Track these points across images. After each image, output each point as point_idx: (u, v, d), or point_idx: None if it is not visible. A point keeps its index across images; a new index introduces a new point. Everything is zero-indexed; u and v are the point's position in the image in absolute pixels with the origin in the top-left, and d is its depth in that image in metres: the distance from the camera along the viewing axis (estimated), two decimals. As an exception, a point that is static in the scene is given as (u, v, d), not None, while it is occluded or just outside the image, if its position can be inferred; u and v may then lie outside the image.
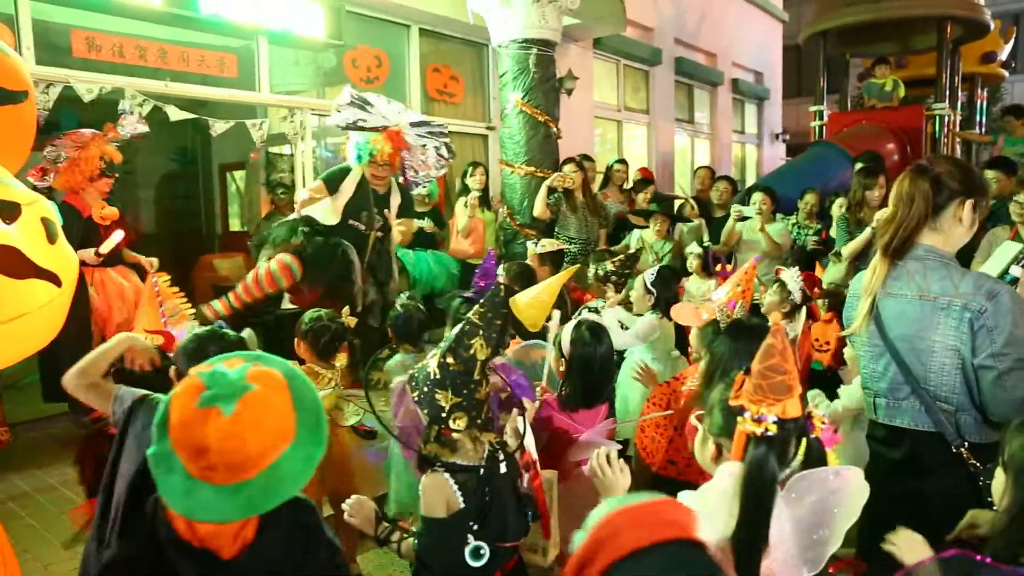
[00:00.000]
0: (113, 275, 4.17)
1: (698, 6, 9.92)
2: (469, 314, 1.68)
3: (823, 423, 1.34)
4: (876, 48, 9.22)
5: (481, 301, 1.70)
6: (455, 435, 1.67)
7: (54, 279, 1.61)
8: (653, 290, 3.42)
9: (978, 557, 1.26)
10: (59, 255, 1.66)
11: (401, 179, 4.44)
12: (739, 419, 1.29)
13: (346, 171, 4.16)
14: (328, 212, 4.07)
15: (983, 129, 10.89)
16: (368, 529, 1.75)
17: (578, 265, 3.97)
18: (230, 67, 5.24)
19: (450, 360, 1.66)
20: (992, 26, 8.85)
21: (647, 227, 5.57)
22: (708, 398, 1.49)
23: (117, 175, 4.19)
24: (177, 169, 9.54)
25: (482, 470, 1.68)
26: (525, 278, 3.57)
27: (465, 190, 5.80)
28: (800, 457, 1.33)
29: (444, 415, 1.65)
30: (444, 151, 4.43)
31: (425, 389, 1.68)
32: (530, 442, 1.88)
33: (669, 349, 3.51)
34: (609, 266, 3.95)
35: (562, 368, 2.43)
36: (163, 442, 1.24)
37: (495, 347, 1.69)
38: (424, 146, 4.34)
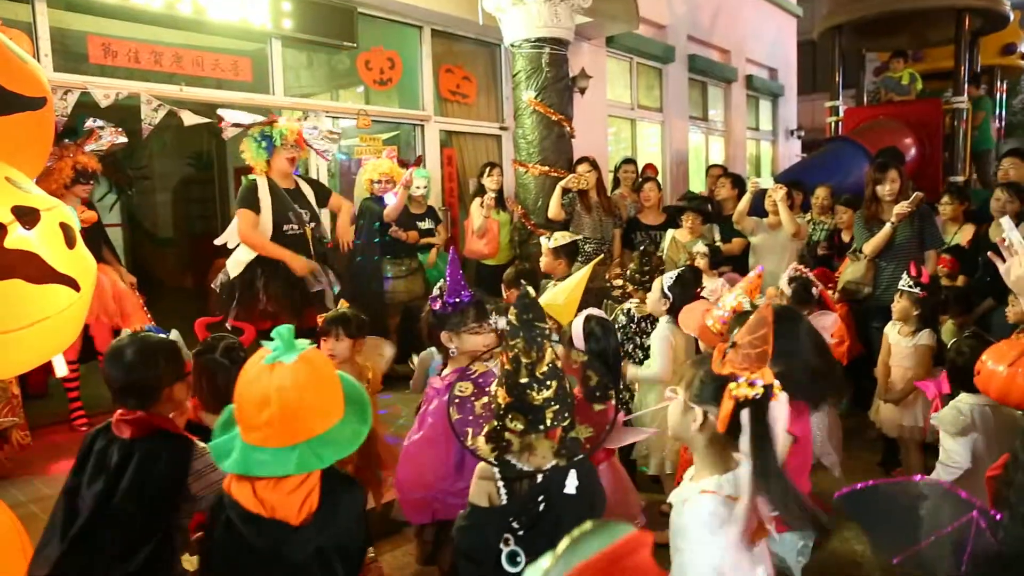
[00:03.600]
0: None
1: (711, 2, 9.85)
2: (510, 315, 1.67)
3: (781, 390, 1.47)
4: (892, 41, 9.10)
5: (516, 303, 1.67)
6: (508, 436, 1.65)
7: (73, 284, 1.62)
8: (669, 295, 3.25)
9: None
10: (78, 260, 1.66)
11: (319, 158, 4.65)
12: (731, 385, 1.43)
13: (252, 187, 4.09)
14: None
15: (1002, 122, 10.75)
16: None
17: (601, 256, 3.90)
18: (244, 71, 5.27)
19: (505, 359, 1.65)
20: (1012, 17, 8.71)
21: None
22: (683, 372, 1.62)
23: (93, 182, 4.32)
24: (192, 173, 9.62)
25: (539, 477, 1.64)
26: (525, 278, 3.52)
27: (481, 190, 5.79)
28: None
29: (501, 412, 1.64)
30: (326, 131, 4.56)
31: (495, 386, 1.69)
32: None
33: (682, 360, 3.42)
34: (632, 265, 3.83)
35: (573, 365, 2.42)
36: (226, 429, 1.51)
37: (540, 350, 1.63)
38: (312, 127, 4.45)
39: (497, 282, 4.29)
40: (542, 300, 2.94)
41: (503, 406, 1.63)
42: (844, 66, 8.85)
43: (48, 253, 1.56)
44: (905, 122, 7.90)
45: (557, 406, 1.62)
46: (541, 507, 1.63)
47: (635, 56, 8.66)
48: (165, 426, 1.88)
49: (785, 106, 12.32)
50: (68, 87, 4.23)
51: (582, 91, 6.69)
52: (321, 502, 1.51)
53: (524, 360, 1.61)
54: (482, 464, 1.70)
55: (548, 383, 1.62)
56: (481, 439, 1.67)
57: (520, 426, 1.62)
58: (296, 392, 1.41)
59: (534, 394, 1.61)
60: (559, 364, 1.65)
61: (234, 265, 4.09)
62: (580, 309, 2.65)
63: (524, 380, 1.61)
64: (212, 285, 4.20)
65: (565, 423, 1.65)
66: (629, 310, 3.69)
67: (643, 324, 3.63)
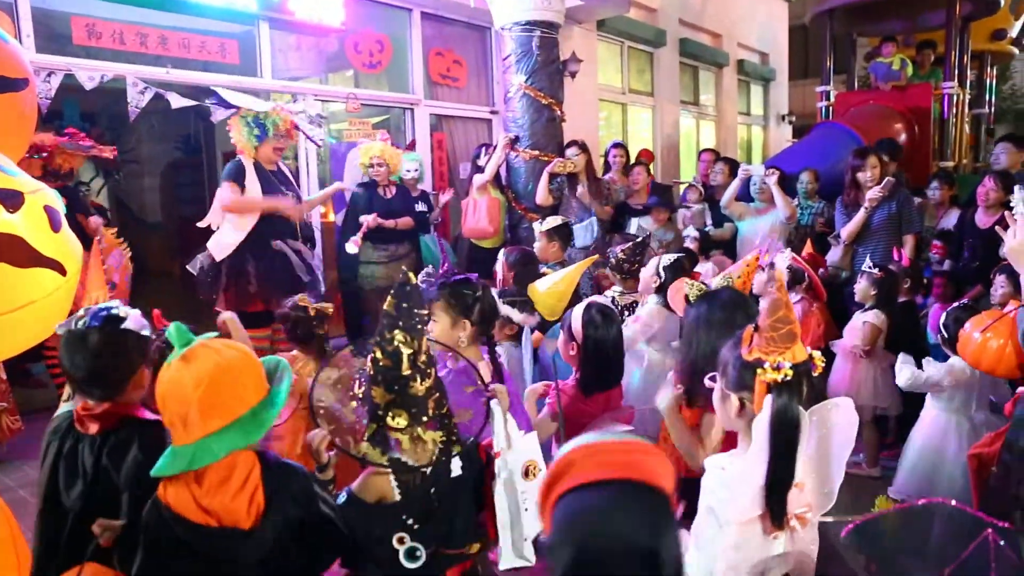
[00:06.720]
0: None
1: (703, -14, 9.81)
2: (384, 305, 1.57)
3: (822, 362, 1.48)
4: (883, 26, 9.09)
5: (393, 291, 1.57)
6: (394, 434, 1.57)
7: (59, 267, 1.61)
8: (663, 275, 3.29)
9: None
10: (63, 244, 1.65)
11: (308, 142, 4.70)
12: (759, 371, 1.42)
13: (240, 164, 4.06)
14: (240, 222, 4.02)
15: (992, 108, 10.75)
16: (316, 455, 1.67)
17: (596, 256, 3.92)
18: (231, 53, 5.20)
19: (379, 354, 1.55)
20: (1002, 2, 8.72)
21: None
22: (720, 358, 1.58)
23: (66, 184, 4.15)
24: (180, 157, 9.53)
25: (428, 470, 1.58)
26: (525, 263, 3.53)
27: (479, 171, 5.75)
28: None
29: (380, 412, 1.56)
30: (316, 119, 4.66)
31: (365, 387, 1.60)
32: (498, 431, 1.76)
33: (670, 340, 3.41)
34: (620, 254, 3.82)
35: (571, 352, 2.41)
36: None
37: (420, 338, 1.56)
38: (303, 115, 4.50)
39: (490, 265, 4.27)
40: (540, 286, 2.93)
41: (381, 405, 1.55)
42: (835, 51, 8.83)
43: (33, 236, 1.55)
44: (895, 108, 7.91)
45: (437, 394, 1.58)
46: (435, 500, 1.58)
47: (626, 40, 8.62)
48: (133, 413, 1.74)
49: (776, 91, 12.31)
50: (51, 69, 4.17)
51: (572, 75, 6.65)
52: (268, 498, 1.43)
53: (406, 351, 1.53)
54: (373, 472, 1.61)
55: (428, 371, 1.56)
56: (366, 445, 1.58)
57: (403, 422, 1.54)
58: (172, 387, 1.39)
59: (417, 385, 1.54)
60: (431, 351, 1.60)
61: (219, 248, 4.01)
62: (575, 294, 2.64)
63: (407, 372, 1.53)
64: (188, 267, 4.16)
65: (444, 410, 1.60)
66: (613, 298, 3.70)
67: (626, 313, 3.64)
